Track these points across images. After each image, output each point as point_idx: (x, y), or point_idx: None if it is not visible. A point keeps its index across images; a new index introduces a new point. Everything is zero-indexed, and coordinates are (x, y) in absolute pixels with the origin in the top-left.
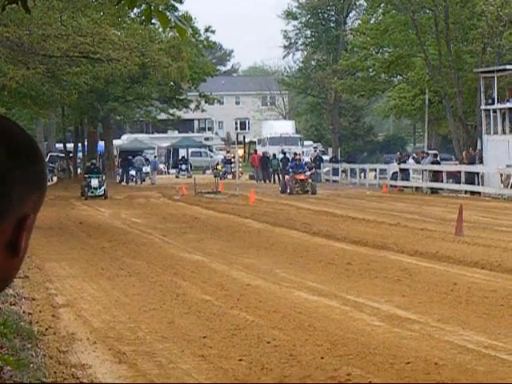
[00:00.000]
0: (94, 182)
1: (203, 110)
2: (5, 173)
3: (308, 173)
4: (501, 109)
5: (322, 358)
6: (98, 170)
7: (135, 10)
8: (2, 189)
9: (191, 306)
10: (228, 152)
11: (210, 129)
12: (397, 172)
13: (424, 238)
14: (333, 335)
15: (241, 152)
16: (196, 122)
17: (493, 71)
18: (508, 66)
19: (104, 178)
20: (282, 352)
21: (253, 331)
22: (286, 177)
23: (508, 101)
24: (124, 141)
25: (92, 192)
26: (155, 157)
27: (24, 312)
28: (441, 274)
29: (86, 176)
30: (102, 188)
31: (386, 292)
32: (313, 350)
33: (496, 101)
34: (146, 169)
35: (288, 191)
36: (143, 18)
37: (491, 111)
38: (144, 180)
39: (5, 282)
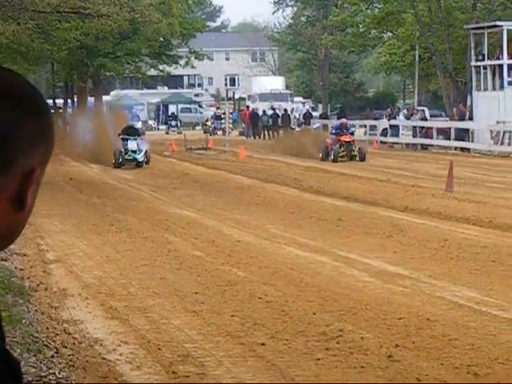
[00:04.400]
0: (132, 145)
1: (193, 66)
2: (9, 125)
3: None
4: (491, 65)
5: (313, 313)
6: (136, 131)
7: None
8: (7, 142)
9: (182, 261)
10: (218, 108)
11: (199, 85)
12: (387, 128)
13: (414, 194)
14: (324, 291)
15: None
16: (186, 78)
17: (483, 27)
18: (498, 22)
19: (143, 139)
20: (273, 308)
21: (244, 287)
22: (329, 140)
23: (498, 57)
24: (113, 97)
25: (129, 155)
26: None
27: (15, 268)
28: (431, 230)
29: (123, 138)
30: (142, 153)
31: (377, 248)
32: (304, 305)
33: (486, 57)
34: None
35: (332, 158)
36: None
37: (481, 67)
38: None
39: (11, 236)
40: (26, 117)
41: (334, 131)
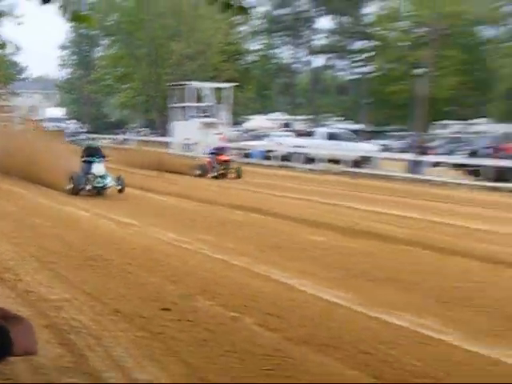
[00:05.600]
0: (98, 168)
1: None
2: None
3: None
4: (181, 106)
5: (88, 245)
6: (99, 152)
7: None
8: None
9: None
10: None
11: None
12: (127, 139)
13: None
14: (91, 234)
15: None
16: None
17: (178, 85)
18: (186, 82)
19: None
20: (60, 242)
21: (44, 230)
22: (208, 159)
23: (185, 102)
24: None
25: (98, 182)
26: None
27: None
28: (181, 207)
29: (85, 160)
30: (110, 177)
31: (136, 214)
32: (81, 241)
33: (179, 102)
34: None
35: (215, 174)
36: None
37: (176, 108)
38: None
39: None
40: None
41: (213, 151)
